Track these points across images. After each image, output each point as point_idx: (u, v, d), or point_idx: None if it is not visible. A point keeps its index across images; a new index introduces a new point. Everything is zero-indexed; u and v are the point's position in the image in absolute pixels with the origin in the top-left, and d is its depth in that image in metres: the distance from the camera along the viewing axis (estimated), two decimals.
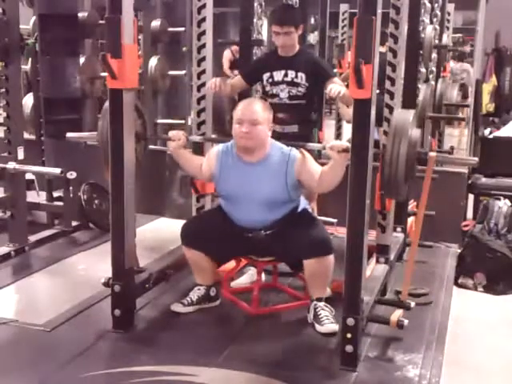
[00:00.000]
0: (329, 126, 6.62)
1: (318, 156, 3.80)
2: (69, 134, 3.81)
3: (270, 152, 3.23)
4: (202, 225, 3.42)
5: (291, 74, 3.69)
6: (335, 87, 3.43)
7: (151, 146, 5.80)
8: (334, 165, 3.03)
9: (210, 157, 3.38)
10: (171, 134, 3.36)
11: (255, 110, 3.16)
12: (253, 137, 3.15)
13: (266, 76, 3.74)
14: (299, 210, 3.34)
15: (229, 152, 3.30)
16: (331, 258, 3.18)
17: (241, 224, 3.28)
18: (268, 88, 3.74)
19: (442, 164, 4.55)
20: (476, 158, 3.32)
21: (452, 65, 8.89)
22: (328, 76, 3.67)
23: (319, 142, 4.64)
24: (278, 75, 3.71)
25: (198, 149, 3.76)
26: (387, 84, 3.53)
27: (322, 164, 3.24)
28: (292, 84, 3.69)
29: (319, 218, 3.81)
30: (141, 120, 3.36)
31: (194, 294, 3.41)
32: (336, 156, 2.97)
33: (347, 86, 3.12)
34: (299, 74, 3.68)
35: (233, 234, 3.28)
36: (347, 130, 5.31)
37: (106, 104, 3.08)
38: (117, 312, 3.12)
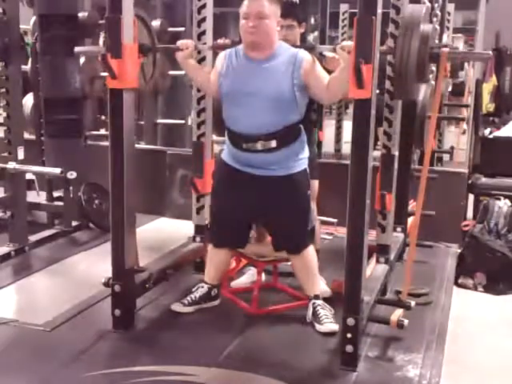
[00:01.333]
0: (329, 125, 6.62)
1: (317, 155, 3.80)
2: (77, 49, 3.72)
3: (278, 50, 3.11)
4: (226, 220, 3.32)
5: None
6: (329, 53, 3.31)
7: (151, 146, 5.87)
8: (343, 67, 2.87)
9: (216, 63, 3.27)
10: (179, 42, 3.26)
11: (262, 2, 3.02)
12: (260, 31, 3.02)
13: None
14: (300, 137, 3.19)
15: (237, 53, 3.18)
16: (307, 251, 3.25)
17: (241, 129, 3.12)
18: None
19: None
20: (490, 52, 3.18)
21: None
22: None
23: (319, 141, 4.64)
24: None
25: (199, 148, 3.76)
26: (387, 84, 3.52)
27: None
28: None
29: (319, 218, 3.82)
30: (146, 30, 3.27)
31: (196, 292, 3.42)
32: (346, 56, 2.79)
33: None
34: None
35: (241, 188, 3.21)
36: (347, 129, 5.31)
37: None
38: (117, 312, 3.12)
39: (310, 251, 3.30)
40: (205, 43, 3.68)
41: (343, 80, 2.82)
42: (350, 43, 2.77)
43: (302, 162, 3.21)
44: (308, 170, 3.25)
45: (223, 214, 3.33)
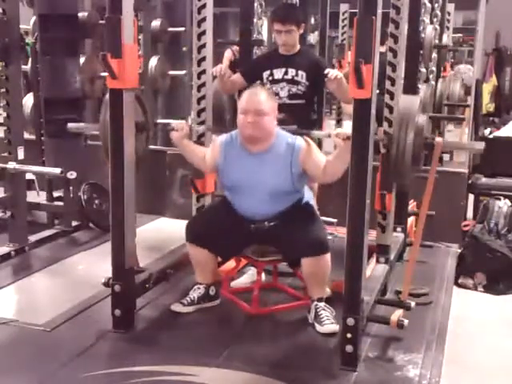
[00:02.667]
0: (329, 126, 6.61)
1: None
2: (70, 125, 3.77)
3: (276, 142, 3.20)
4: (207, 221, 3.40)
5: (291, 72, 3.69)
6: (333, 71, 3.44)
7: (151, 146, 5.86)
8: (339, 153, 2.99)
9: (213, 147, 3.36)
10: (174, 124, 3.35)
11: (260, 100, 3.12)
12: (258, 127, 3.12)
13: (265, 74, 3.73)
14: (303, 202, 3.32)
15: (233, 142, 3.27)
16: (327, 257, 3.18)
17: (245, 215, 3.27)
18: (268, 86, 3.74)
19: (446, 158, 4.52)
20: (483, 143, 3.28)
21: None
22: None
23: (319, 141, 4.64)
24: (279, 73, 3.71)
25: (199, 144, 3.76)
26: (387, 84, 3.52)
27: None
28: (292, 82, 3.69)
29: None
30: (142, 109, 3.32)
31: (194, 293, 3.41)
32: (341, 143, 2.92)
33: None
34: (299, 73, 3.68)
35: (236, 225, 3.27)
36: (347, 130, 5.30)
37: (107, 96, 3.06)
38: (117, 312, 3.12)
39: (328, 258, 3.22)
40: (204, 43, 3.67)
41: (339, 165, 2.99)
42: (344, 131, 2.92)
43: (305, 202, 3.35)
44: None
45: (218, 229, 3.33)
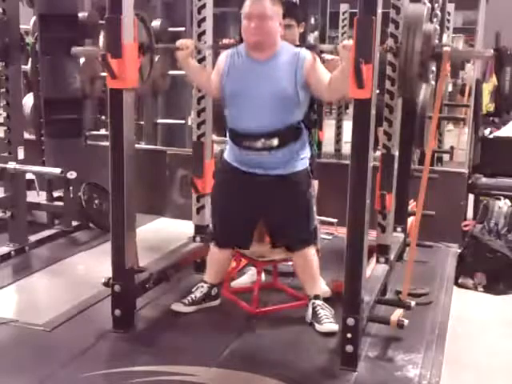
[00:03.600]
0: (329, 125, 6.62)
1: (317, 155, 3.80)
2: (74, 50, 3.71)
3: (281, 50, 3.12)
4: (229, 219, 3.33)
5: None
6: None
7: (151, 146, 5.87)
8: (345, 66, 2.86)
9: (218, 63, 3.27)
10: (179, 42, 3.25)
11: (264, 3, 3.02)
12: (263, 32, 3.03)
13: None
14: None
15: (238, 53, 3.18)
16: (309, 250, 3.25)
17: (242, 131, 3.13)
18: None
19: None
20: (491, 50, 3.17)
21: None
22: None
23: (319, 141, 4.63)
24: None
25: (199, 148, 3.76)
26: (387, 84, 3.52)
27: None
28: None
29: (319, 218, 3.82)
30: (146, 29, 3.27)
31: (196, 292, 3.42)
32: (348, 55, 2.76)
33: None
34: None
35: (243, 188, 3.21)
36: (347, 130, 5.31)
37: None
38: (117, 312, 3.12)
39: (312, 251, 3.29)
40: (204, 43, 3.67)
41: (344, 79, 2.81)
42: (351, 42, 2.75)
43: (304, 161, 3.21)
44: (309, 169, 3.26)
45: (226, 213, 3.33)
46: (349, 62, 2.74)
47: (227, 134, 3.26)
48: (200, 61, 3.67)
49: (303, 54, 3.09)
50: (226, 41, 3.45)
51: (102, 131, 5.55)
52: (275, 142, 3.09)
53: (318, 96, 3.22)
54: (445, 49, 2.96)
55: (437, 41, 3.53)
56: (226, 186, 3.32)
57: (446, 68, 2.82)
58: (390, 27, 3.47)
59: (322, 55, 3.37)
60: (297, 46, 3.22)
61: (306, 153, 3.24)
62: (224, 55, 3.24)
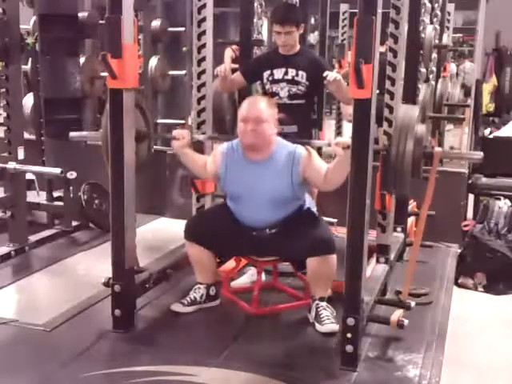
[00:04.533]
0: (329, 125, 6.62)
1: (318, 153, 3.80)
2: (72, 134, 3.77)
3: (276, 150, 3.23)
4: (207, 220, 3.43)
5: (292, 72, 3.69)
6: (331, 73, 3.44)
7: None
8: (339, 161, 3.01)
9: (214, 156, 3.37)
10: (175, 132, 3.36)
11: (260, 107, 3.16)
12: (258, 135, 3.14)
13: (266, 74, 3.73)
14: (304, 208, 3.34)
15: (234, 151, 3.30)
16: (334, 257, 3.18)
17: (246, 222, 3.28)
18: (268, 86, 3.74)
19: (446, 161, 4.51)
20: (481, 153, 3.29)
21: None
22: None
23: (319, 149, 4.62)
24: (279, 73, 3.71)
25: (199, 149, 3.76)
26: (387, 84, 3.52)
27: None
28: (292, 82, 3.69)
29: None
30: (144, 118, 3.34)
31: (194, 293, 3.41)
32: (341, 152, 2.94)
33: (347, 84, 3.11)
34: (300, 73, 3.68)
35: (237, 231, 3.28)
36: (347, 130, 5.31)
37: (108, 105, 3.06)
38: (117, 312, 3.12)
39: (334, 258, 3.20)
40: (204, 43, 3.67)
41: (339, 173, 3.00)
42: (344, 140, 2.92)
43: (306, 208, 3.36)
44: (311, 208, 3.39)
45: (214, 225, 3.35)
46: (343, 158, 2.91)
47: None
48: (200, 61, 3.68)
49: (298, 151, 3.21)
50: (232, 47, 3.51)
51: None
52: (277, 227, 3.25)
53: (314, 186, 3.41)
54: (436, 150, 3.09)
55: (437, 41, 3.54)
56: (226, 218, 3.35)
57: (436, 166, 3.08)
58: (390, 27, 3.48)
59: (324, 74, 3.42)
60: (293, 142, 3.28)
61: (306, 205, 3.37)
62: (220, 151, 3.36)
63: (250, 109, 3.17)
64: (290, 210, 3.27)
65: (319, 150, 3.79)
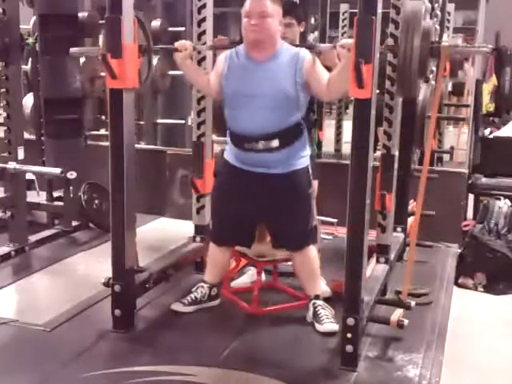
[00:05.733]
0: (329, 126, 6.61)
1: (316, 155, 3.80)
2: (72, 49, 3.69)
3: (280, 50, 3.11)
4: (224, 215, 3.35)
5: None
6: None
7: (151, 146, 5.87)
8: (344, 65, 2.85)
9: (217, 64, 3.26)
10: (177, 44, 3.24)
11: (264, 2, 3.02)
12: (262, 29, 3.01)
13: None
14: (302, 138, 3.18)
15: (238, 53, 3.17)
16: (309, 248, 3.23)
17: (242, 133, 3.13)
18: None
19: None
20: (490, 46, 3.13)
21: None
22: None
23: (319, 141, 4.62)
24: None
25: (199, 148, 3.76)
26: (387, 84, 3.52)
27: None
28: None
29: (319, 218, 3.82)
30: (143, 32, 3.26)
31: (196, 292, 3.42)
32: (347, 54, 2.77)
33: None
34: None
35: (242, 195, 3.21)
36: (347, 130, 5.31)
37: None
38: (117, 312, 3.12)
39: (312, 251, 3.28)
40: (204, 43, 3.67)
41: (343, 78, 2.80)
42: (349, 41, 2.76)
43: (304, 160, 3.21)
44: (310, 168, 3.26)
45: (225, 211, 3.33)
46: (347, 60, 2.74)
47: (227, 135, 3.26)
48: (200, 61, 3.68)
49: (303, 54, 3.09)
50: (221, 37, 3.43)
51: (102, 131, 5.54)
52: (275, 143, 3.09)
53: (317, 96, 3.23)
54: (443, 44, 2.97)
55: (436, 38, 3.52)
56: (227, 184, 3.32)
57: (445, 64, 2.80)
58: (390, 27, 3.47)
59: (318, 45, 3.34)
60: (296, 45, 3.21)
61: (307, 151, 3.23)
62: (223, 56, 3.23)
63: (254, 2, 3.01)
64: (289, 122, 3.10)
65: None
